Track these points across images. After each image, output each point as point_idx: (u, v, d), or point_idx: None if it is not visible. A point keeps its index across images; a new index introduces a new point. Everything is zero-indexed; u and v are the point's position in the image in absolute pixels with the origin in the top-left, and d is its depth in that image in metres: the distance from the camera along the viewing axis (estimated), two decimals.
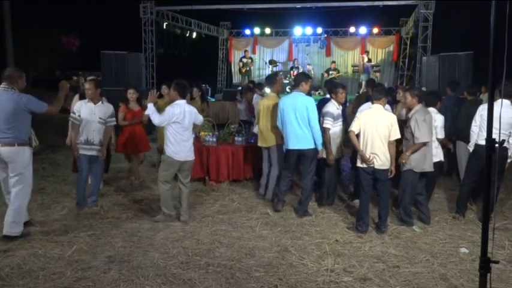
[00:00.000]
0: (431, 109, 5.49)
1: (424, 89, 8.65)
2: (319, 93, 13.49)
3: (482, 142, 4.78)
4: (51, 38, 21.22)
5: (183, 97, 4.90)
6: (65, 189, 6.12)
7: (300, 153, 5.29)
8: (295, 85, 5.45)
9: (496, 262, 2.75)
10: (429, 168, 4.90)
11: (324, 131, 5.34)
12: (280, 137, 5.66)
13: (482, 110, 5.08)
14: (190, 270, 3.78)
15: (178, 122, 4.77)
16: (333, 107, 5.43)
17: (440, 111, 5.57)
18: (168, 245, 4.33)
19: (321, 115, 5.50)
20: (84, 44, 23.56)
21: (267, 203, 5.71)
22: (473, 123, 5.18)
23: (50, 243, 4.31)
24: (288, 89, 13.89)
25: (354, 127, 4.75)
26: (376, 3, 14.41)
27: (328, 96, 6.21)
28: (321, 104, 5.96)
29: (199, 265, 3.87)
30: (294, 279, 3.64)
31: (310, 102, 5.20)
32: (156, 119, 4.73)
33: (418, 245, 4.39)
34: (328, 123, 5.35)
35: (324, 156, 5.42)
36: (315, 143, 5.23)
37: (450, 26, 14.85)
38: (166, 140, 4.85)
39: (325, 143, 5.36)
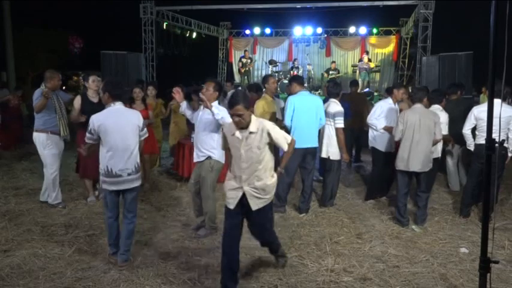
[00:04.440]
0: (436, 106, 5.51)
1: None
2: (319, 93, 13.49)
3: (482, 141, 4.76)
4: (51, 38, 21.15)
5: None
6: (65, 189, 6.11)
7: (309, 152, 5.28)
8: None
9: (496, 262, 2.75)
10: (412, 168, 4.81)
11: (338, 131, 5.38)
12: None
13: (478, 113, 5.00)
14: (190, 270, 3.78)
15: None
16: (339, 107, 5.45)
17: (445, 108, 5.61)
18: (168, 245, 4.33)
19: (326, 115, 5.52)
20: (84, 44, 23.53)
21: None
22: (466, 127, 5.14)
23: (50, 243, 4.32)
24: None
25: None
26: (376, 3, 14.41)
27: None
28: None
29: (199, 265, 3.88)
30: (294, 279, 3.64)
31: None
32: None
33: (418, 245, 4.40)
34: (340, 123, 5.38)
35: (332, 157, 5.48)
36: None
37: (450, 26, 14.86)
38: (213, 144, 4.38)
39: (340, 144, 5.40)
